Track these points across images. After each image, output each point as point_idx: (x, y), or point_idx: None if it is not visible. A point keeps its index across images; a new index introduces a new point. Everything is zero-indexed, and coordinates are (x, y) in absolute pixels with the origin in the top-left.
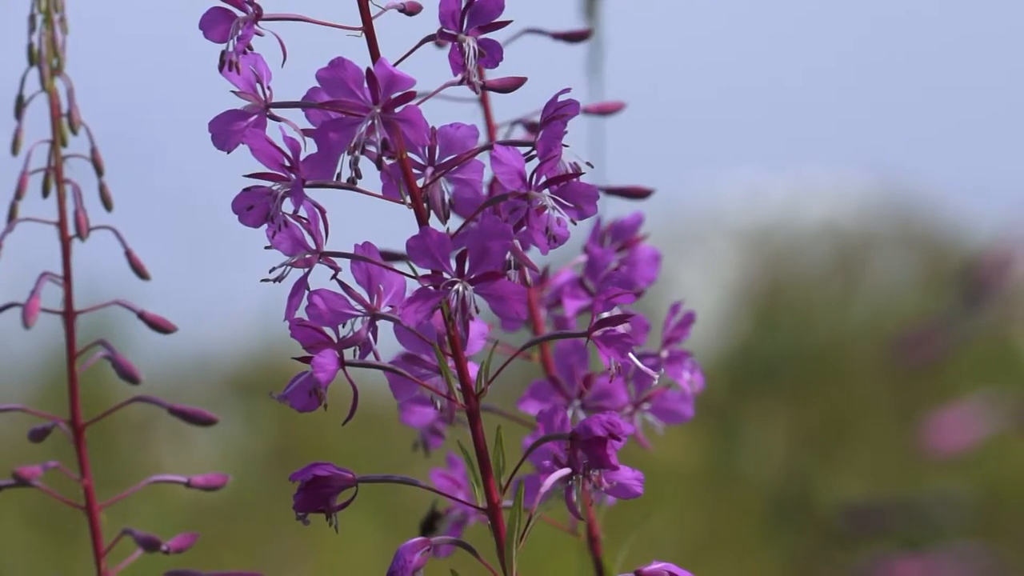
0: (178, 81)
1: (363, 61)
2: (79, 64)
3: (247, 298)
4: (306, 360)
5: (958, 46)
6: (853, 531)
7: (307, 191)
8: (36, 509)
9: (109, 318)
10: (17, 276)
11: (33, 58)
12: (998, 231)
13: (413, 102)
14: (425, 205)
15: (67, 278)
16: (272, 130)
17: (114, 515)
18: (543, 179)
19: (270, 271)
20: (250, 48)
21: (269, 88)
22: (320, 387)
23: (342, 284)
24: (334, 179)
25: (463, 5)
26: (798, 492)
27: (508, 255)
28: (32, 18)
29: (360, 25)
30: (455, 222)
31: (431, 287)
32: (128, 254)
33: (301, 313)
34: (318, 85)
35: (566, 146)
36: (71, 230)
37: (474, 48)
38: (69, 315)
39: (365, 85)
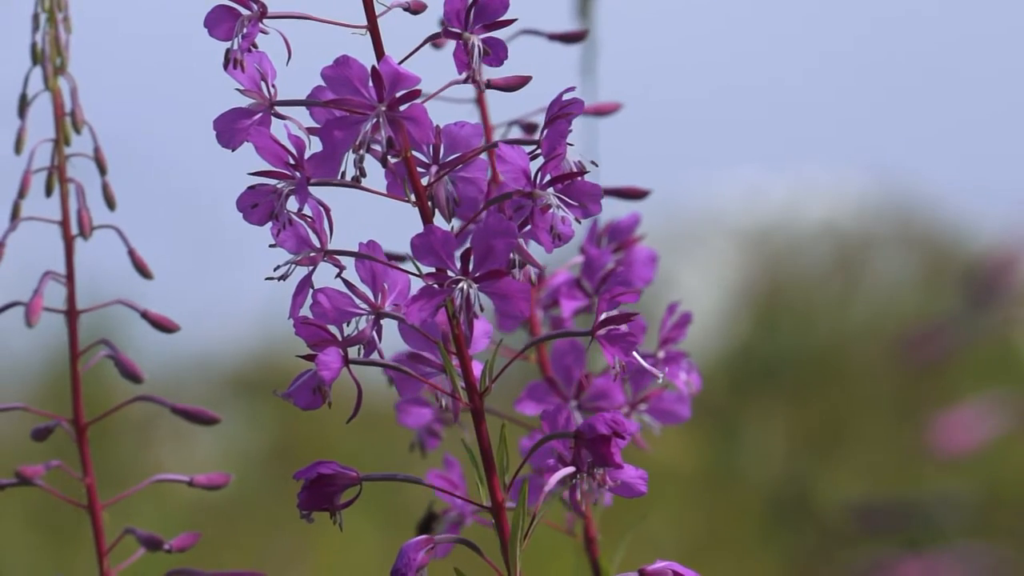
0: (182, 80)
1: (368, 59)
2: (82, 63)
3: (248, 298)
4: (310, 358)
5: (958, 46)
6: (863, 529)
7: (312, 189)
8: (37, 509)
9: (108, 317)
10: (20, 275)
11: (37, 57)
12: (1002, 232)
13: (417, 100)
14: (429, 203)
15: (70, 277)
16: (277, 128)
17: (114, 515)
18: (547, 178)
19: (275, 269)
20: (255, 46)
21: (274, 86)
22: (324, 385)
23: (346, 282)
24: (339, 177)
25: (468, 3)
26: (797, 492)
27: (512, 254)
28: (36, 17)
29: (365, 23)
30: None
31: (435, 285)
32: (131, 253)
33: (306, 311)
34: (323, 83)
35: (570, 145)
36: (74, 229)
37: (479, 46)
38: (72, 314)
39: (370, 83)
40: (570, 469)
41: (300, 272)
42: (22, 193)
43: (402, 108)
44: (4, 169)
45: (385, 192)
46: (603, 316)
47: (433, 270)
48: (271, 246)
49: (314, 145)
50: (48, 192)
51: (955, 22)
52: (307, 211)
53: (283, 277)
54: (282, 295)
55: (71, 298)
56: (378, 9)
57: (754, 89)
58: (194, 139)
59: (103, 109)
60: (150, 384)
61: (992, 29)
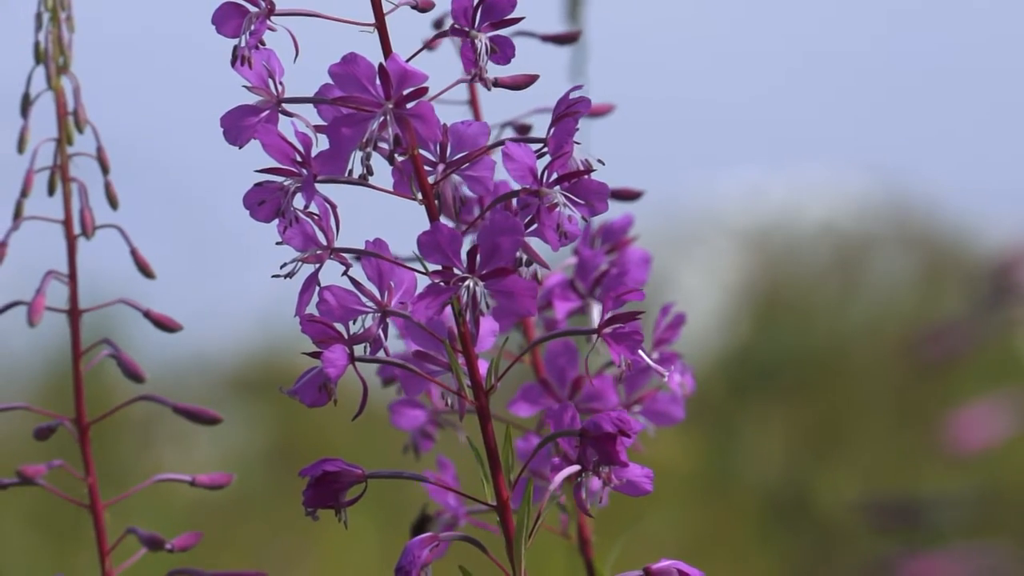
0: (185, 80)
1: (375, 57)
2: (85, 62)
3: (249, 298)
4: (316, 355)
5: (958, 46)
6: (872, 526)
7: (318, 187)
8: (39, 508)
9: (109, 317)
10: (22, 274)
11: (39, 56)
12: (1011, 232)
13: (424, 98)
14: (436, 201)
15: (72, 276)
16: (284, 126)
17: (116, 514)
18: (554, 176)
19: (281, 267)
20: (262, 43)
21: (281, 83)
22: (330, 382)
23: (353, 280)
24: (346, 175)
25: (476, 1)
26: (796, 493)
27: (519, 251)
28: (38, 16)
29: (373, 21)
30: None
31: (442, 283)
32: (134, 253)
33: (312, 309)
34: (330, 81)
35: (577, 143)
36: (77, 228)
37: (486, 44)
38: (74, 314)
39: (377, 81)
40: (575, 467)
41: (306, 270)
42: (25, 192)
43: (409, 106)
44: (7, 168)
45: (392, 190)
46: (608, 315)
47: (439, 268)
48: (278, 243)
49: (321, 143)
50: (51, 191)
51: (955, 22)
52: (314, 208)
53: (290, 275)
54: (284, 295)
55: (73, 297)
56: (386, 7)
57: (754, 89)
58: (197, 139)
59: (106, 109)
60: (151, 384)
61: (992, 29)
